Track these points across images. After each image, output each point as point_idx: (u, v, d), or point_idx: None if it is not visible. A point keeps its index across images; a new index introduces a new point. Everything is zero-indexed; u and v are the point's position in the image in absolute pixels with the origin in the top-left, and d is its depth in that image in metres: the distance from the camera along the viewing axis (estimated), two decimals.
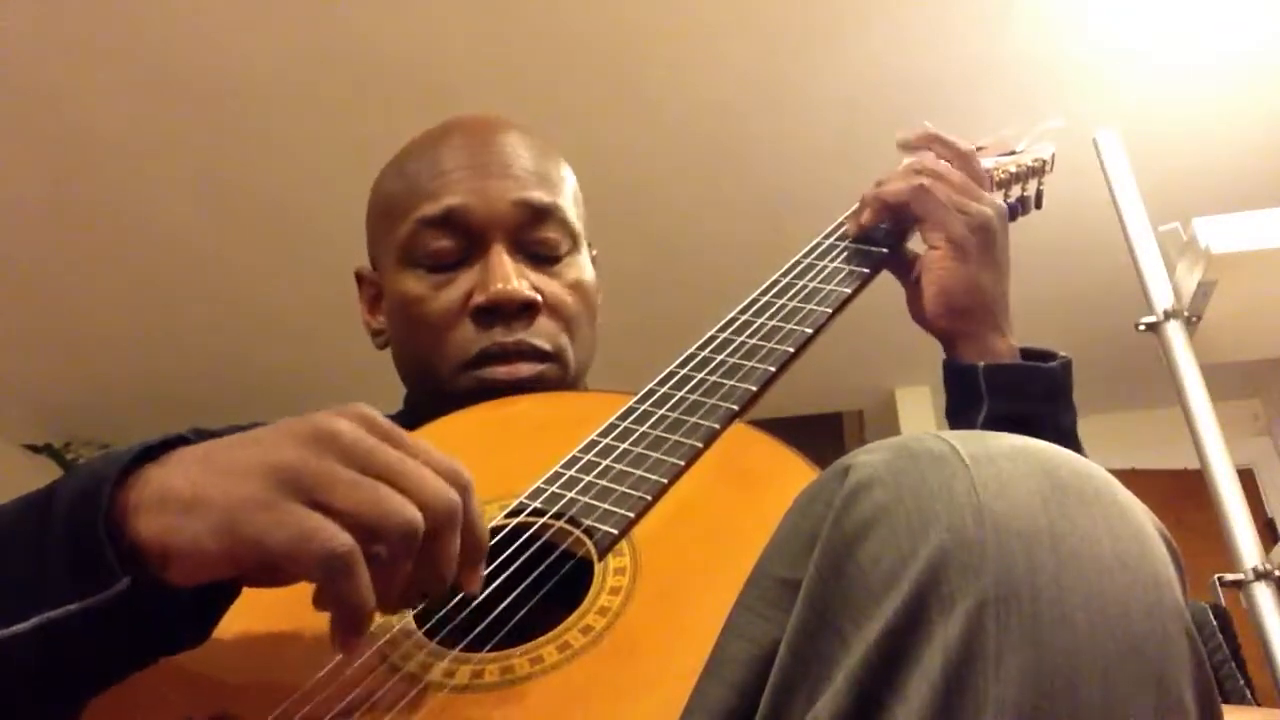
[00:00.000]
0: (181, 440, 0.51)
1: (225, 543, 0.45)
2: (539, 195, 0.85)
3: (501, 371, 0.80)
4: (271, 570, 0.47)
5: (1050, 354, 0.84)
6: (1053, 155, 0.97)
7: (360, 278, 0.93)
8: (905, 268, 0.86)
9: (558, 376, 0.83)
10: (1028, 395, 0.80)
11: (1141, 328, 1.57)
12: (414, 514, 0.46)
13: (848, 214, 0.89)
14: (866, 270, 0.82)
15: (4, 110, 2.41)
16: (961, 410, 0.81)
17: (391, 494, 0.46)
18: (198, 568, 0.47)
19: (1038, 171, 0.96)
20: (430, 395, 0.84)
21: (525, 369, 0.81)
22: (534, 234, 0.84)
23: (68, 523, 0.47)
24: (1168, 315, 1.55)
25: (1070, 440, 0.81)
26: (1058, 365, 0.82)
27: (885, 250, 0.84)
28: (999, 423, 0.79)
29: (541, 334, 0.82)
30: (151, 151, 2.59)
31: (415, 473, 0.48)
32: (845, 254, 0.84)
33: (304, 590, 0.48)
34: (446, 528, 0.48)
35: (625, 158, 2.73)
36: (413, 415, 0.88)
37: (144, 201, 2.76)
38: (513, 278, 0.81)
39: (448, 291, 0.82)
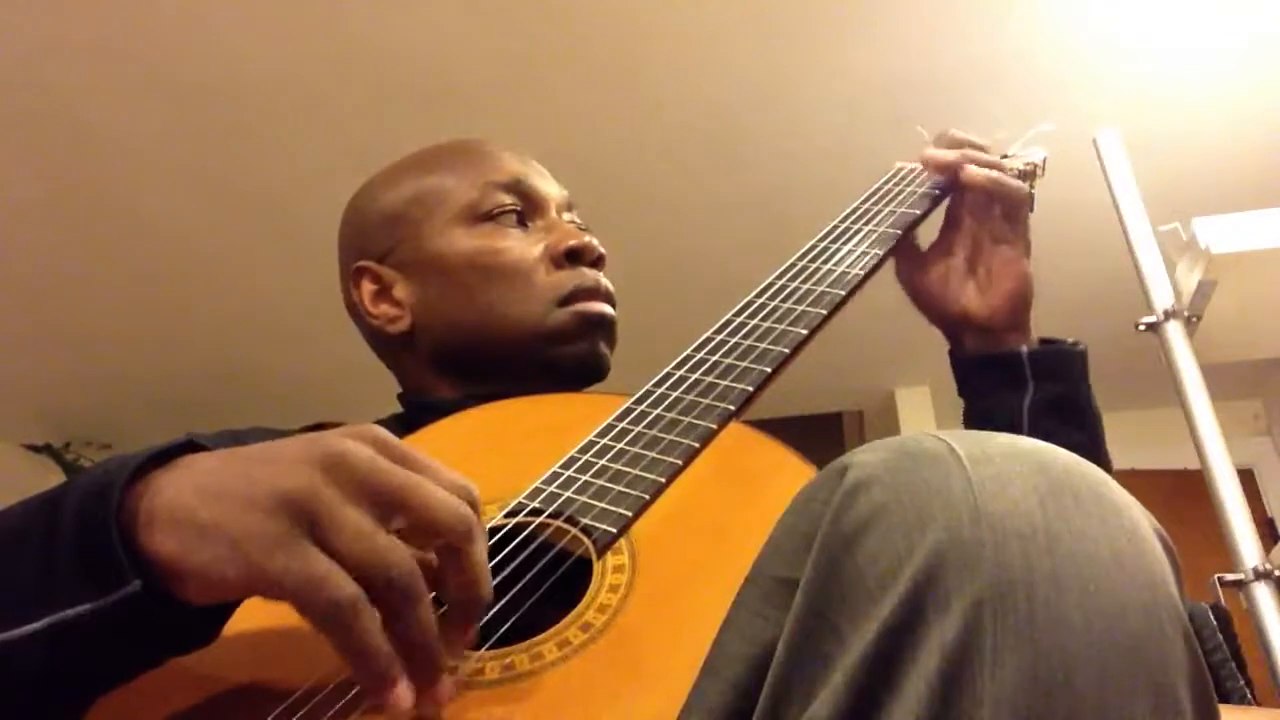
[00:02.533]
0: (190, 445, 0.51)
1: (242, 573, 0.45)
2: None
3: (596, 306, 0.88)
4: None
5: (1058, 340, 0.91)
6: (1044, 160, 0.98)
7: (362, 270, 0.92)
8: (915, 258, 0.92)
9: (616, 331, 0.90)
10: (1067, 376, 0.87)
11: (1141, 328, 1.57)
12: (411, 565, 0.46)
13: (841, 216, 0.90)
14: (863, 273, 0.82)
15: (5, 110, 2.41)
16: (1001, 395, 0.87)
17: (393, 544, 0.46)
18: (212, 590, 0.47)
19: (1029, 175, 0.97)
20: (501, 349, 0.87)
21: (609, 309, 0.89)
22: (571, 217, 0.94)
23: (78, 525, 0.47)
24: (1168, 315, 1.55)
25: (1099, 420, 0.89)
26: (1084, 348, 0.90)
27: (882, 253, 0.84)
28: (1047, 404, 0.86)
29: (609, 283, 0.91)
30: (152, 152, 2.60)
31: (427, 495, 0.48)
32: (841, 257, 0.85)
33: None
34: (466, 540, 0.48)
35: (626, 157, 2.74)
36: (411, 415, 0.88)
37: (145, 201, 2.76)
38: (587, 234, 0.91)
39: (523, 242, 0.89)
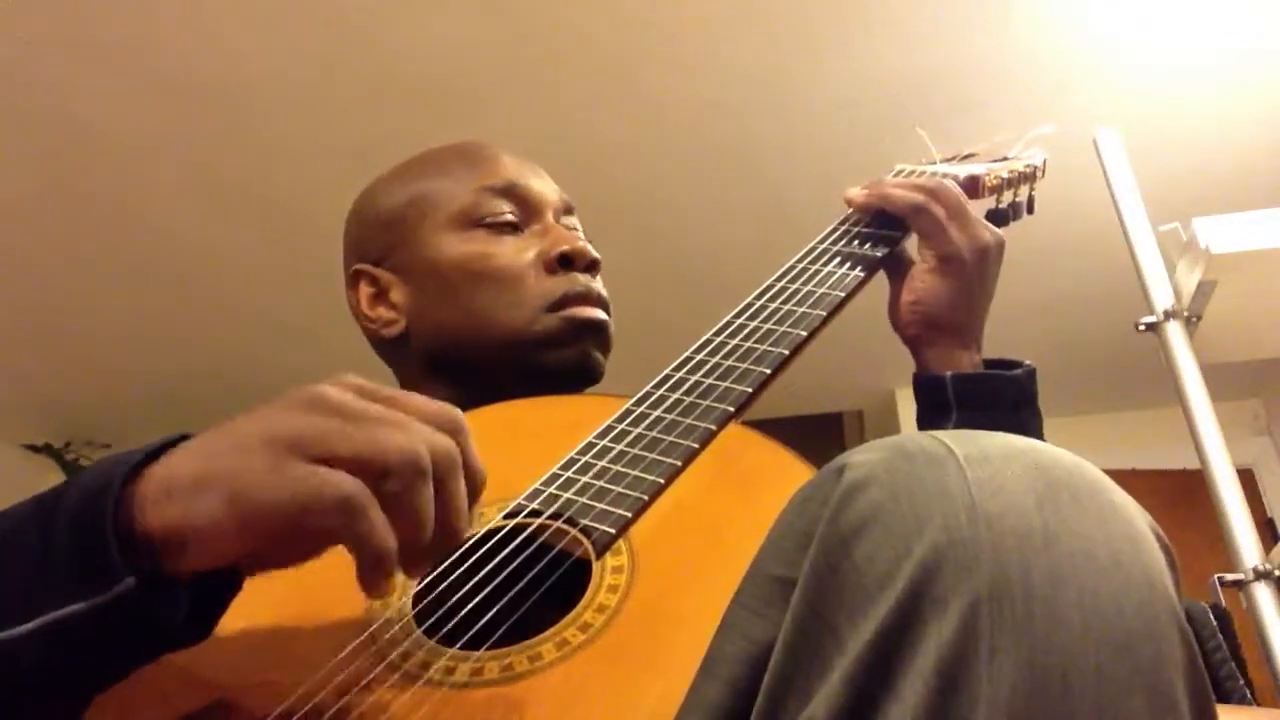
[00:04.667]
0: (184, 440, 0.51)
1: (238, 512, 0.45)
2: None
3: (586, 311, 0.87)
4: (285, 540, 0.47)
5: (1015, 363, 0.86)
6: (1044, 161, 0.98)
7: (360, 274, 0.93)
8: (899, 273, 0.88)
9: (610, 335, 0.90)
10: (995, 404, 0.83)
11: (1141, 328, 1.57)
12: (414, 444, 0.47)
13: (842, 218, 0.90)
14: (861, 275, 0.83)
15: (5, 108, 2.41)
16: (930, 421, 0.84)
17: (389, 431, 0.47)
18: (212, 546, 0.46)
19: (1029, 177, 0.97)
20: (489, 353, 0.86)
21: (602, 314, 0.88)
22: (569, 221, 0.94)
23: (73, 524, 0.47)
24: (1168, 315, 1.55)
25: None
26: (1022, 373, 0.85)
27: (879, 256, 0.85)
28: None
29: (603, 289, 0.91)
30: (152, 151, 2.60)
31: (407, 421, 0.48)
32: (840, 258, 0.85)
33: (305, 588, 0.48)
34: (447, 470, 0.48)
35: (626, 157, 2.74)
36: None
37: (145, 201, 2.77)
38: (580, 239, 0.90)
39: (516, 247, 0.89)
